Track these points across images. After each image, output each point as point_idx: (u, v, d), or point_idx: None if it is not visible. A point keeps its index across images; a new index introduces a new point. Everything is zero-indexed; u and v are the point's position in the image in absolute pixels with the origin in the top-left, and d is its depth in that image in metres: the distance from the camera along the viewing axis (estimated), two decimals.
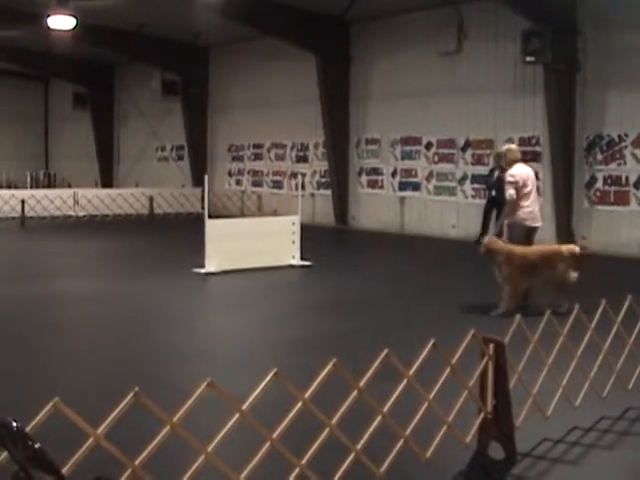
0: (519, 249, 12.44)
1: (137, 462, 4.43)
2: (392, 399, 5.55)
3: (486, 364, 6.21)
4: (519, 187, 12.79)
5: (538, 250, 12.56)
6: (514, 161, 13.16)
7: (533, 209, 12.99)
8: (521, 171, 13.02)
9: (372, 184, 27.80)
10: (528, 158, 22.04)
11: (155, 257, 20.10)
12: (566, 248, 12.45)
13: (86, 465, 4.25)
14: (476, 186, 23.89)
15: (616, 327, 7.76)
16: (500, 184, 21.20)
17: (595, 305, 7.49)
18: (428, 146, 25.84)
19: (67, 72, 38.07)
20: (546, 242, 21.50)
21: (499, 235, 13.51)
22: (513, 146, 14.17)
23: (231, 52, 32.71)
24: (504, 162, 13.67)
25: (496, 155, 22.43)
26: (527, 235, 12.96)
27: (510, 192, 12.74)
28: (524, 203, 12.83)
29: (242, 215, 29.71)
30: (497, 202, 21.09)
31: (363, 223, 27.93)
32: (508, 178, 12.94)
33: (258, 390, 4.82)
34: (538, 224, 13.18)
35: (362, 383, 5.35)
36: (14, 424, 3.38)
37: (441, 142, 25.41)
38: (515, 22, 21.79)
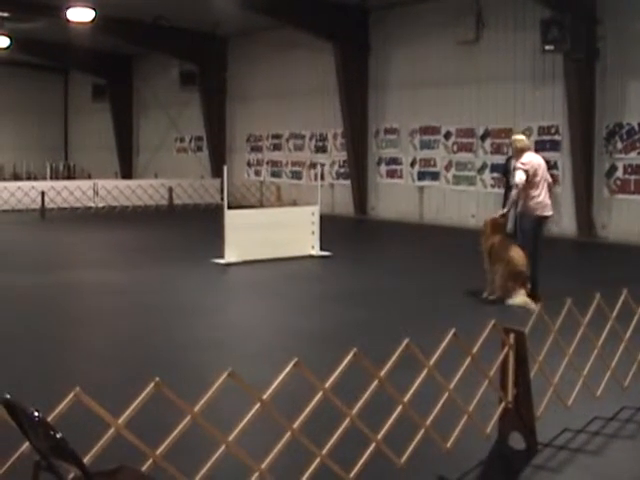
0: (493, 235, 12.88)
1: (158, 452, 4.45)
2: (413, 389, 5.54)
3: (507, 354, 6.20)
4: (530, 174, 12.70)
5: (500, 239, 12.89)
6: (523, 150, 13.07)
7: (543, 199, 12.88)
8: (531, 159, 12.93)
9: (391, 174, 27.75)
10: (547, 147, 22.03)
11: (175, 248, 20.13)
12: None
13: (107, 455, 4.27)
14: (495, 175, 23.77)
15: (637, 317, 7.73)
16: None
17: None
18: (447, 135, 25.76)
19: (86, 64, 38.15)
20: (566, 232, 21.55)
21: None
22: (520, 136, 14.04)
23: (249, 42, 32.68)
24: (513, 152, 13.61)
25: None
26: (537, 224, 12.89)
27: (521, 176, 12.62)
28: (534, 192, 12.74)
29: (261, 206, 29.74)
30: None
31: (382, 213, 27.89)
32: (519, 165, 12.87)
33: (279, 380, 4.83)
34: (548, 213, 13.05)
35: (383, 373, 5.34)
36: (36, 414, 3.39)
37: (460, 131, 25.33)
38: (534, 10, 21.69)
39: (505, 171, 22.05)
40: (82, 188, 31.73)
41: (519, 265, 12.34)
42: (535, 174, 12.73)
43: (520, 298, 12.14)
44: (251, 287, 14.93)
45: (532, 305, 11.34)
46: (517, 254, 12.43)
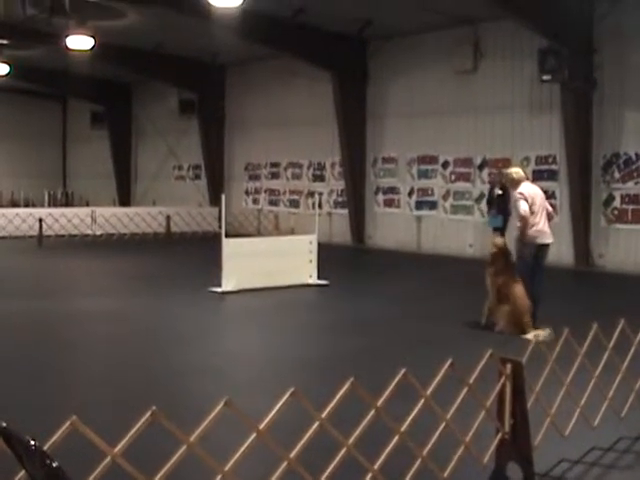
0: (502, 265, 12.82)
1: None
2: (409, 419, 5.52)
3: (504, 384, 6.18)
4: (528, 203, 12.75)
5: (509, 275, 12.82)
6: (520, 181, 13.13)
7: (542, 227, 12.91)
8: (528, 189, 12.99)
9: (389, 203, 27.79)
10: (545, 177, 22.08)
11: (172, 276, 20.11)
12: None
13: None
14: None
15: (634, 347, 7.72)
16: (502, 201, 21.50)
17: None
18: (445, 165, 25.82)
19: (85, 91, 38.28)
20: (564, 261, 21.55)
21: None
22: (516, 169, 14.05)
23: (248, 71, 32.83)
24: (509, 184, 13.67)
25: (499, 173, 22.72)
26: (537, 252, 12.90)
27: (524, 207, 12.69)
28: (533, 220, 12.78)
29: (259, 234, 29.74)
30: (503, 217, 21.41)
31: (380, 242, 27.90)
32: (517, 195, 12.91)
33: (275, 409, 4.81)
34: (548, 241, 13.08)
35: (380, 402, 5.33)
36: (32, 442, 3.38)
37: (458, 161, 25.39)
38: (532, 40, 21.79)
39: (489, 200, 22.35)
40: (80, 215, 31.75)
41: (523, 311, 12.26)
42: (533, 202, 12.79)
43: (530, 333, 12.04)
44: (248, 315, 14.91)
45: (543, 334, 11.34)
46: (523, 299, 12.37)
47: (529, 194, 12.86)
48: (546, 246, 13.09)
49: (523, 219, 12.72)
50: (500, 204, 21.77)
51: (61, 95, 43.83)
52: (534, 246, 12.84)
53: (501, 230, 21.51)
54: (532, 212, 12.75)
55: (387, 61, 27.26)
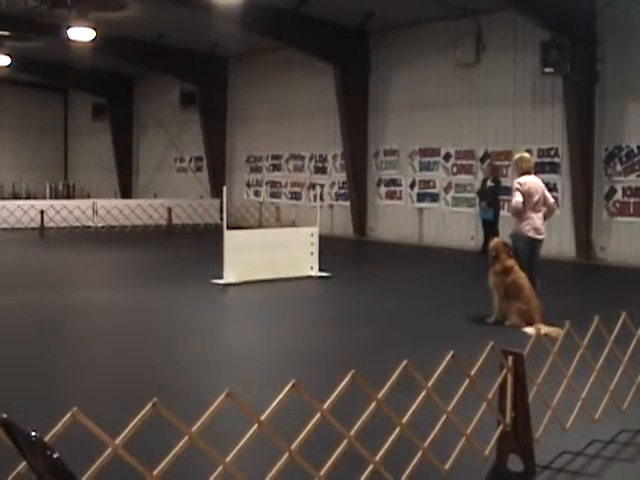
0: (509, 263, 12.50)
1: (155, 473, 4.42)
2: (411, 411, 5.52)
3: (505, 376, 6.18)
4: (525, 196, 12.67)
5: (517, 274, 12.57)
6: (525, 172, 12.99)
7: (536, 222, 12.79)
8: (528, 180, 12.85)
9: (390, 195, 27.77)
10: (547, 169, 22.07)
11: (173, 268, 20.10)
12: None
13: (104, 475, 4.25)
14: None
15: (636, 340, 7.72)
16: (493, 193, 21.54)
17: None
18: (447, 157, 25.79)
19: (86, 83, 38.32)
20: (565, 254, 21.55)
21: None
22: (526, 155, 13.76)
23: (250, 63, 32.80)
24: (515, 170, 13.50)
25: (489, 166, 22.72)
26: (530, 247, 12.84)
27: (517, 199, 12.62)
28: (528, 215, 12.69)
29: (260, 226, 29.73)
30: (494, 211, 21.47)
31: (381, 234, 27.89)
32: (515, 185, 12.82)
33: (277, 401, 4.81)
34: (540, 237, 12.96)
35: (381, 395, 5.33)
36: (33, 434, 3.38)
37: (460, 153, 25.36)
38: (534, 33, 21.76)
39: (481, 191, 22.40)
40: (81, 207, 31.79)
41: (536, 310, 12.14)
42: (530, 195, 12.69)
43: (542, 329, 11.90)
44: (250, 308, 14.91)
45: (556, 330, 11.11)
46: (534, 300, 12.26)
47: (527, 186, 12.73)
48: (539, 242, 12.99)
49: (514, 210, 12.70)
50: (491, 196, 21.80)
51: (62, 87, 43.83)
52: (527, 241, 12.77)
53: (492, 223, 21.58)
54: (529, 205, 12.65)
55: (389, 53, 27.23)
